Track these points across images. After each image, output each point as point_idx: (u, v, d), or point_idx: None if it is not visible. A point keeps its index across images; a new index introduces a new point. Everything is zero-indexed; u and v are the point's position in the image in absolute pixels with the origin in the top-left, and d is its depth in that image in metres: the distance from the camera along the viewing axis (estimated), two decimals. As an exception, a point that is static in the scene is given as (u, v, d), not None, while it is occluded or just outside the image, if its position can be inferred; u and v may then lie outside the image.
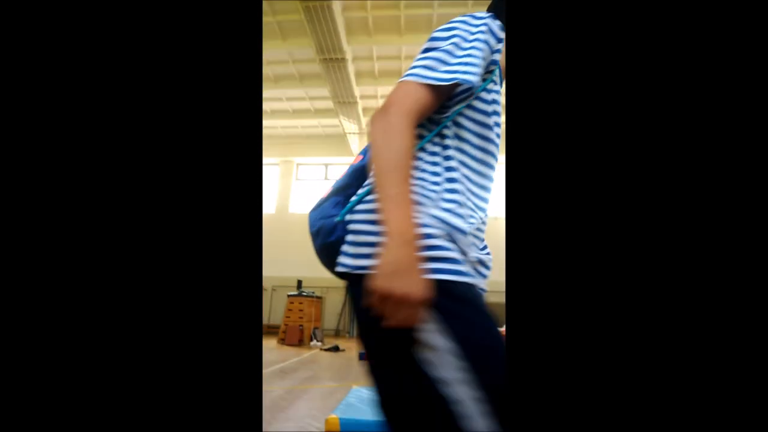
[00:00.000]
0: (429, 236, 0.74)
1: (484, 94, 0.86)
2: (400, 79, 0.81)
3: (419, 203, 0.77)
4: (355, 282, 0.77)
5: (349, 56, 8.23)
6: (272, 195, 12.69)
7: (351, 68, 8.57)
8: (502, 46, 0.88)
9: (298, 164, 13.34)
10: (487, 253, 0.87)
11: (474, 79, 0.79)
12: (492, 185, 0.87)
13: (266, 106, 11.17)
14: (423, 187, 0.79)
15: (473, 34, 0.82)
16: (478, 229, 0.83)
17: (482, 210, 0.84)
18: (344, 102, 9.49)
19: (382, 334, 0.69)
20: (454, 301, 0.71)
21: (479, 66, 0.81)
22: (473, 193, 0.82)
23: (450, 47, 0.81)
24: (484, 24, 0.84)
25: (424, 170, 0.81)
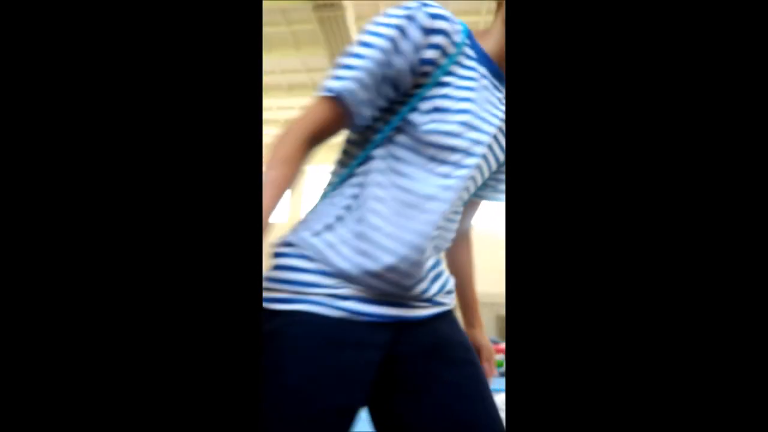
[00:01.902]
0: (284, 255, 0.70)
1: (418, 112, 0.69)
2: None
3: (310, 225, 0.72)
4: None
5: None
6: (285, 204, 12.59)
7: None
8: (441, 40, 0.67)
9: (311, 172, 13.37)
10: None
11: (344, 88, 0.66)
12: (436, 219, 0.68)
13: (280, 115, 11.24)
14: (325, 213, 0.72)
15: (371, 34, 0.67)
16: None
17: (403, 247, 0.67)
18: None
19: None
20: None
21: (360, 73, 0.66)
22: (390, 228, 0.67)
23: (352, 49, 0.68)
24: (400, 17, 0.66)
25: (333, 195, 0.74)
